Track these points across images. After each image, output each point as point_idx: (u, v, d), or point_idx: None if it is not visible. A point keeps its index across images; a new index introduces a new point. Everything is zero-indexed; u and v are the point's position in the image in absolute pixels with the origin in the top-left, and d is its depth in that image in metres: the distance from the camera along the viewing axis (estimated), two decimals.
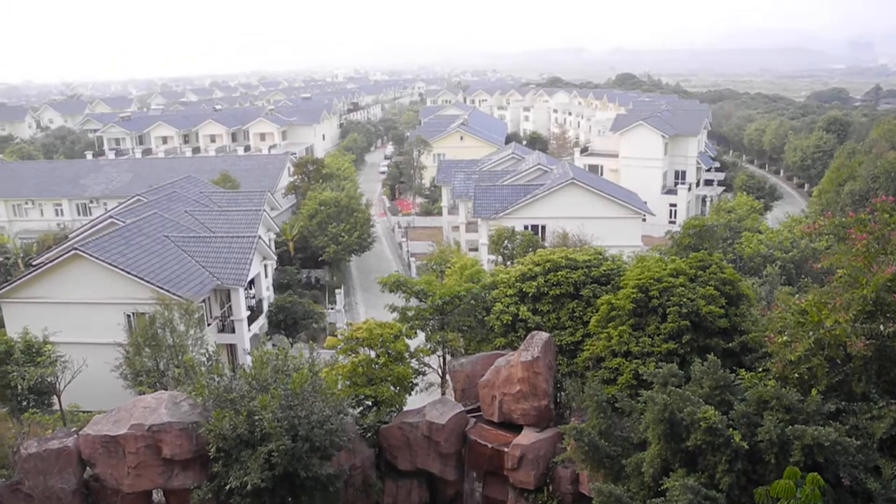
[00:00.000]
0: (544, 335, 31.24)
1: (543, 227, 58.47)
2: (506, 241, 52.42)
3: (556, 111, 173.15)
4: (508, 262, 49.37)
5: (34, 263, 49.26)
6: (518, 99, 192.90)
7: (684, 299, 27.90)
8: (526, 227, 57.60)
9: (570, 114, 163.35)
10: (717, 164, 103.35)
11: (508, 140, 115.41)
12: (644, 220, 60.82)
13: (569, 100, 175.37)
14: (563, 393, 31.95)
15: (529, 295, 34.93)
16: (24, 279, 44.02)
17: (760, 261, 46.03)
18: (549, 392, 30.52)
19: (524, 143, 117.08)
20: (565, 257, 35.58)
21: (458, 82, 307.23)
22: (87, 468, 28.86)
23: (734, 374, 24.18)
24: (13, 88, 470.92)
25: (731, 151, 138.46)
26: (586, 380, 29.26)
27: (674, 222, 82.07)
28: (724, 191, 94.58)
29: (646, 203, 65.27)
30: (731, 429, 21.37)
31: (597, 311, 31.41)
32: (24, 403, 36.67)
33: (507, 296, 35.62)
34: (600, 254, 36.93)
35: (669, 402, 22.10)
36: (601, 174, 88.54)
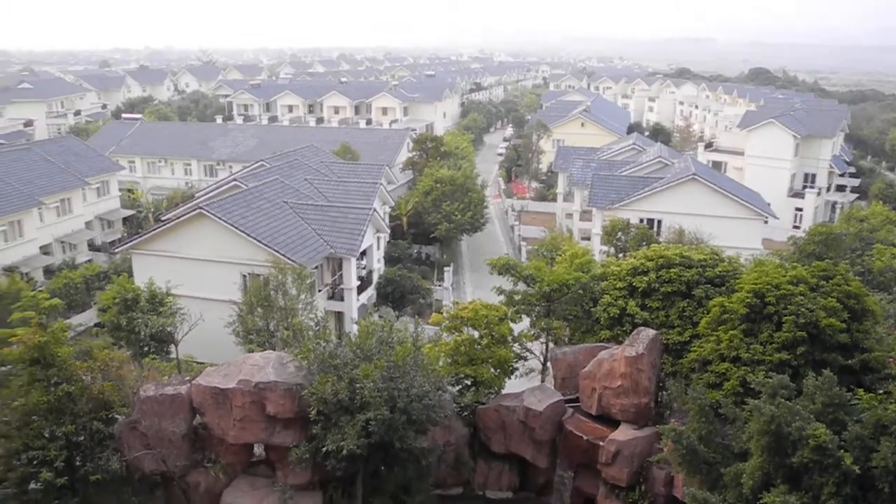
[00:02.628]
0: (651, 332, 30.68)
1: (659, 222, 57.15)
2: (619, 233, 51.54)
3: (681, 103, 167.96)
4: (620, 255, 48.57)
5: (163, 219, 52.09)
6: (644, 88, 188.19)
7: (803, 309, 26.76)
8: (641, 221, 56.44)
9: (696, 107, 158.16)
10: (853, 170, 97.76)
11: (630, 130, 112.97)
12: (766, 222, 58.46)
13: (696, 92, 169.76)
14: (664, 392, 31.33)
15: (639, 290, 34.30)
16: (153, 233, 46.63)
17: (892, 276, 43.45)
18: (650, 390, 30.00)
19: (646, 134, 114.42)
20: (680, 254, 34.71)
21: (583, 68, 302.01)
22: (197, 416, 30.39)
23: (851, 394, 23.02)
24: (156, 53, 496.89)
25: (869, 157, 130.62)
26: (690, 382, 28.60)
27: (798, 227, 78.44)
28: (858, 198, 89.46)
29: (769, 205, 62.65)
30: (842, 450, 20.43)
31: (708, 313, 30.58)
32: (146, 349, 39.01)
33: (616, 288, 35.09)
34: (717, 254, 35.83)
35: (777, 415, 21.32)
36: (724, 171, 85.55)
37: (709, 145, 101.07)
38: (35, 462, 27.09)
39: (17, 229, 60.06)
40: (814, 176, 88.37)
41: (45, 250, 63.99)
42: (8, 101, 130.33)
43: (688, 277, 33.36)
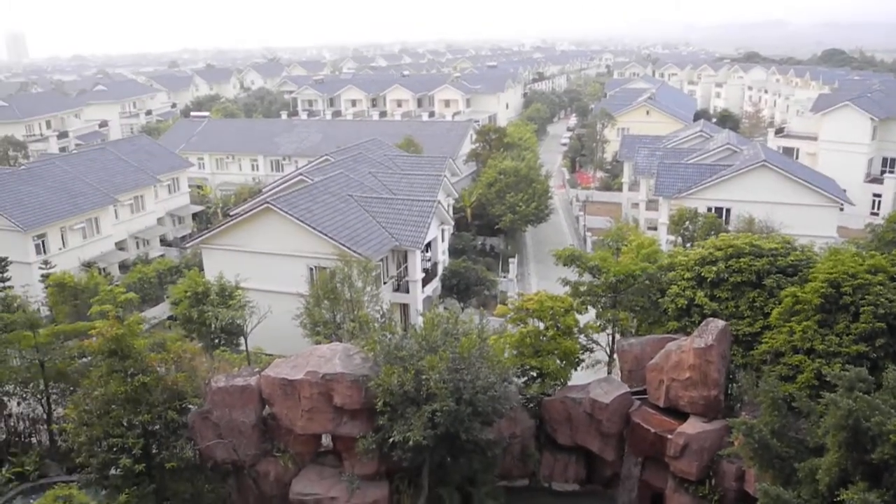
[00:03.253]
0: (720, 323, 30.03)
1: (728, 211, 55.85)
2: (687, 223, 50.63)
3: (750, 88, 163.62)
4: (688, 245, 47.68)
5: (231, 214, 53.24)
6: (710, 74, 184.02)
7: (882, 299, 25.86)
8: (709, 210, 55.28)
9: (766, 91, 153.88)
10: None
11: (697, 117, 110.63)
12: (841, 209, 56.55)
13: (766, 77, 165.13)
14: (735, 385, 30.68)
15: (708, 280, 33.57)
16: (221, 228, 47.69)
17: None
18: (720, 382, 29.39)
19: (714, 120, 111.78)
20: (750, 243, 33.84)
21: (648, 55, 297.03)
22: (266, 406, 31.00)
23: None
24: (222, 52, 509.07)
25: None
26: (762, 374, 27.91)
27: (877, 214, 75.61)
28: None
29: (845, 191, 60.65)
30: None
31: (780, 303, 29.80)
32: (216, 341, 40.00)
33: (683, 279, 34.44)
34: (789, 242, 34.81)
35: (855, 409, 20.62)
36: (796, 158, 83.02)
37: (779, 131, 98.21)
38: (115, 449, 28.08)
39: (95, 226, 62.23)
40: (893, 160, 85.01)
41: (121, 246, 66.14)
42: (85, 104, 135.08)
43: (758, 267, 32.51)
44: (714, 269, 33.37)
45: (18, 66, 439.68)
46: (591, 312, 36.72)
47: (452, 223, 60.00)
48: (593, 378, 33.46)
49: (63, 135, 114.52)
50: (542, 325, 34.06)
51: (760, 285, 32.30)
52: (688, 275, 34.40)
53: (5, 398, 34.99)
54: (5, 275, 49.71)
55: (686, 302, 33.59)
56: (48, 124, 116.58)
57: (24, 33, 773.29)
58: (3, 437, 36.10)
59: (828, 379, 23.86)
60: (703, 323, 30.45)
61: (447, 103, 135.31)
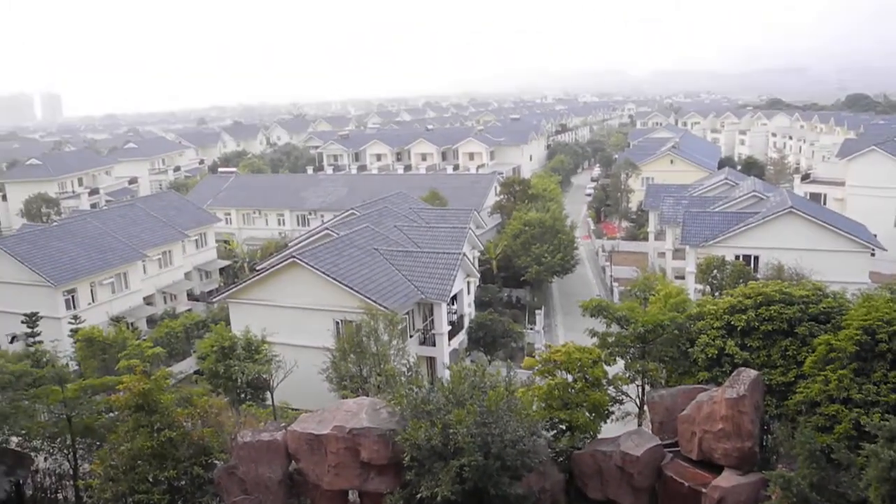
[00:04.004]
0: (752, 373, 29.45)
1: (756, 258, 55.26)
2: (715, 271, 50.14)
3: (774, 135, 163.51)
4: (716, 293, 47.12)
5: (257, 268, 53.59)
6: (733, 122, 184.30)
7: None
8: (737, 257, 54.72)
9: (790, 138, 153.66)
10: None
11: (721, 165, 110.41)
12: (873, 254, 55.73)
13: (790, 123, 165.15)
14: (770, 436, 29.96)
15: (738, 329, 33.06)
16: (248, 282, 48.01)
17: None
18: (754, 434, 28.69)
19: (738, 168, 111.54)
20: (780, 291, 33.37)
21: (670, 104, 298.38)
22: (293, 462, 30.71)
23: None
24: (249, 109, 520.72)
25: None
26: (798, 425, 27.25)
27: None
28: None
29: (875, 236, 59.81)
30: None
31: (813, 352, 29.23)
32: (242, 396, 39.93)
33: (713, 328, 33.95)
34: (820, 289, 34.26)
35: None
36: (824, 203, 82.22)
37: (805, 177, 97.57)
38: None
39: (124, 281, 62.94)
40: None
41: (148, 301, 66.74)
42: (115, 161, 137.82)
43: (789, 315, 32.00)
44: (744, 317, 32.88)
45: (53, 125, 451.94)
46: (620, 363, 36.20)
47: (478, 275, 59.90)
48: (623, 431, 32.84)
49: (94, 191, 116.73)
50: (570, 377, 33.60)
51: (792, 333, 31.75)
52: (717, 324, 33.92)
53: (32, 453, 34.99)
54: (35, 329, 50.29)
55: (716, 351, 33.05)
56: (80, 181, 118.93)
57: (59, 94, 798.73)
58: (30, 492, 36.02)
59: (867, 429, 23.20)
60: (735, 373, 29.89)
61: (471, 156, 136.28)
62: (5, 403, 34.40)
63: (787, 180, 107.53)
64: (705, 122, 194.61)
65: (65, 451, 35.12)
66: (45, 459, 35.74)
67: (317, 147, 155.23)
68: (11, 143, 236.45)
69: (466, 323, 53.76)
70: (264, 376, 39.42)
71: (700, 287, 53.29)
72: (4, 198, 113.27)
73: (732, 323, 33.26)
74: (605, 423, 34.25)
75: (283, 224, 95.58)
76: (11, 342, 57.06)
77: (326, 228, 57.91)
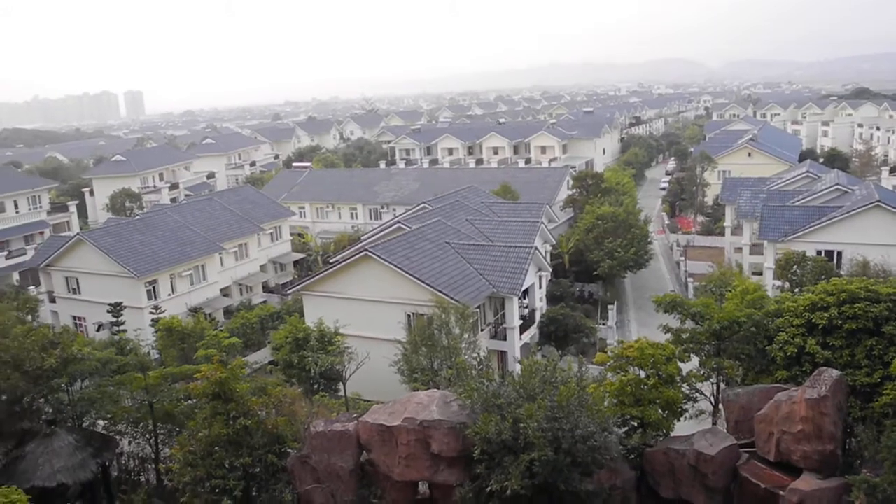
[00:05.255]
0: (834, 373, 28.44)
1: (839, 254, 53.38)
2: (794, 267, 48.64)
3: (860, 126, 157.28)
4: (796, 290, 45.71)
5: (331, 261, 54.37)
6: (816, 112, 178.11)
7: None
8: (818, 253, 52.99)
9: (877, 128, 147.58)
10: None
11: (802, 157, 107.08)
12: None
13: (877, 113, 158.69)
14: (853, 439, 28.90)
15: (819, 327, 31.94)
16: (322, 275, 48.74)
17: None
18: (836, 436, 27.71)
19: (821, 160, 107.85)
20: (865, 288, 32.08)
21: (748, 95, 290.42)
22: (364, 452, 31.06)
23: None
24: (322, 104, 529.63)
25: None
26: (884, 428, 26.18)
27: None
28: None
29: None
30: None
31: None
32: (316, 386, 40.58)
33: (792, 326, 32.89)
34: None
35: None
36: None
37: (894, 169, 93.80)
38: (217, 490, 28.68)
39: (202, 273, 64.72)
40: None
41: (225, 292, 68.46)
42: (194, 156, 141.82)
43: (875, 313, 30.76)
44: (826, 315, 31.74)
45: (136, 122, 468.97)
46: (694, 360, 35.47)
47: (550, 270, 59.47)
48: (697, 429, 32.17)
49: (174, 186, 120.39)
50: (642, 374, 33.07)
51: (879, 333, 30.50)
52: (797, 321, 32.83)
53: (118, 437, 36.36)
54: (120, 318, 52.18)
55: (796, 350, 32.02)
56: (161, 176, 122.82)
57: (142, 92, 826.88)
58: (115, 474, 37.45)
59: None
60: (816, 372, 28.92)
61: (543, 150, 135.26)
62: (93, 388, 35.88)
63: (874, 173, 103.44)
64: (785, 114, 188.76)
65: (147, 435, 36.44)
66: (129, 443, 37.16)
67: (389, 141, 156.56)
68: (98, 140, 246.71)
69: (538, 317, 53.46)
70: (337, 367, 39.96)
71: (779, 283, 51.82)
72: (92, 192, 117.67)
73: (813, 321, 32.14)
74: (679, 420, 33.57)
75: (356, 217, 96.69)
76: (98, 330, 59.40)
77: (398, 222, 58.33)
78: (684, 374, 34.19)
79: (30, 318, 54.11)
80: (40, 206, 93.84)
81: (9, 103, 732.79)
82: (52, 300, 64.98)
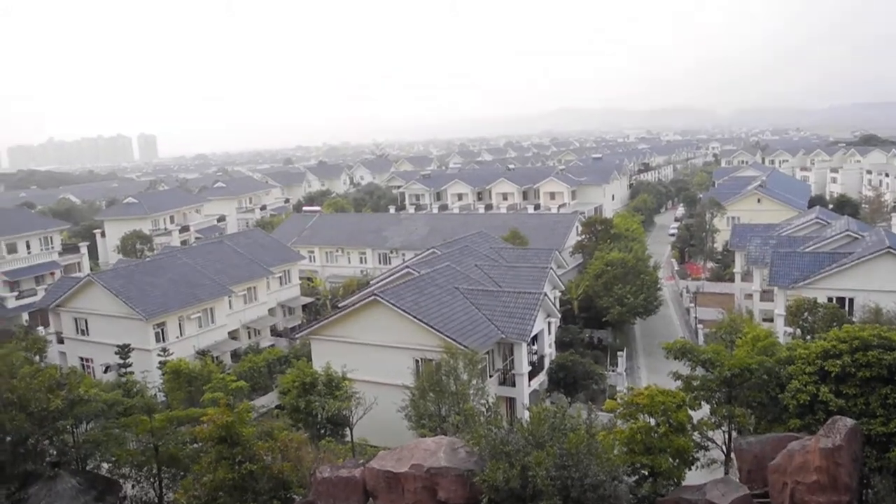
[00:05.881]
0: (849, 421, 27.97)
1: (851, 301, 52.99)
2: (805, 313, 48.30)
3: (869, 172, 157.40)
4: (808, 337, 45.30)
5: (339, 305, 54.33)
6: (824, 159, 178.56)
7: None
8: (829, 300, 52.62)
9: (886, 175, 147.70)
10: None
11: (812, 204, 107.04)
12: None
13: (886, 159, 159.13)
14: (869, 490, 28.32)
15: (832, 375, 31.54)
16: (330, 319, 48.67)
17: None
18: (852, 487, 27.16)
19: (830, 207, 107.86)
20: (878, 335, 31.73)
21: (756, 142, 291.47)
22: (370, 499, 30.59)
23: None
24: (333, 149, 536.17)
25: None
26: None
27: None
28: None
29: None
30: None
31: None
32: (322, 431, 40.23)
33: (805, 373, 32.50)
34: None
35: None
36: None
37: None
38: None
39: (210, 316, 64.71)
40: None
41: (233, 335, 68.36)
42: (205, 199, 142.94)
43: (889, 361, 30.37)
44: (839, 362, 31.37)
45: (149, 165, 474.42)
46: (705, 408, 35.03)
47: (559, 316, 59.22)
48: (709, 478, 31.62)
49: (184, 229, 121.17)
50: (653, 421, 32.66)
51: (893, 381, 30.12)
52: (809, 369, 32.47)
53: (121, 480, 36.00)
54: (127, 360, 52.12)
55: (809, 398, 31.60)
56: (172, 219, 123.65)
57: (155, 136, 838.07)
58: None
59: None
60: (830, 421, 28.46)
61: (552, 195, 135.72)
62: (98, 430, 35.66)
63: (885, 219, 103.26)
64: (794, 160, 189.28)
65: (151, 479, 36.01)
66: (133, 487, 36.70)
67: (399, 186, 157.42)
68: (111, 182, 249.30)
69: (547, 363, 53.07)
70: (344, 412, 39.65)
71: (790, 330, 51.40)
72: (103, 234, 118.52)
73: (826, 368, 31.77)
74: (690, 469, 33.04)
75: (365, 262, 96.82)
76: (105, 371, 59.28)
77: (408, 267, 58.38)
78: (695, 422, 33.75)
79: (37, 358, 54.10)
80: (52, 247, 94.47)
81: (25, 145, 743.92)
82: (61, 341, 65.07)
